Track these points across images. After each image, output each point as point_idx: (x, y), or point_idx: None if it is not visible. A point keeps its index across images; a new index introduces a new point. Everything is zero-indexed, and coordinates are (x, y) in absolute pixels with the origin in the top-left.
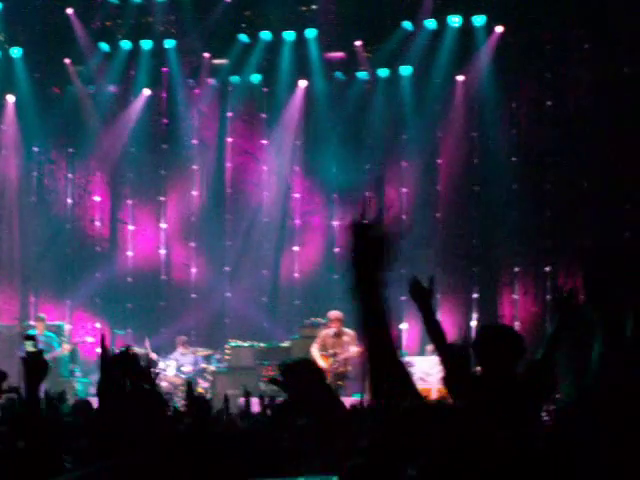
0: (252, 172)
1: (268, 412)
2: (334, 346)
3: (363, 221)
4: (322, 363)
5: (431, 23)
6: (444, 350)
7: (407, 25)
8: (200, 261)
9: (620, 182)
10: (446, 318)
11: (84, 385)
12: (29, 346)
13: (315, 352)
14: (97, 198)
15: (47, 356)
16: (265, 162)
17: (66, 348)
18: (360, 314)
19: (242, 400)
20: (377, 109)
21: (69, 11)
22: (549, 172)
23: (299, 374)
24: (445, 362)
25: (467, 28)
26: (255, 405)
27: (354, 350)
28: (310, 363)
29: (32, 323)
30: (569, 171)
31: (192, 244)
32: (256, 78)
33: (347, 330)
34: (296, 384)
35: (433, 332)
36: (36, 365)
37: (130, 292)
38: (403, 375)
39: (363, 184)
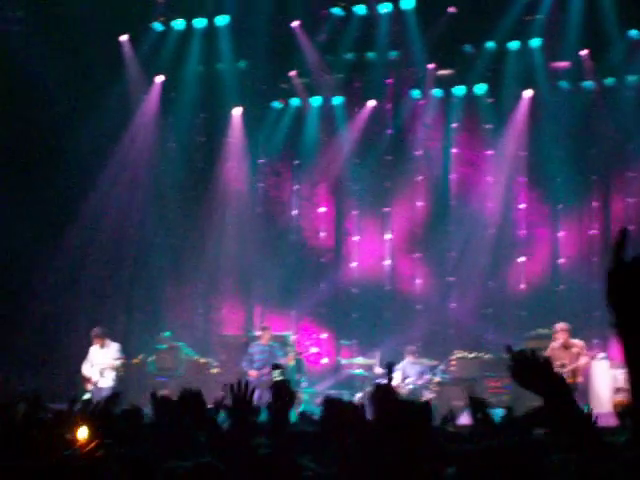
0: (476, 183)
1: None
2: (562, 358)
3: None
4: None
5: None
6: None
7: (633, 33)
8: (424, 272)
9: None
10: None
11: (310, 395)
12: (277, 375)
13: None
14: (322, 209)
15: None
16: (490, 173)
17: (290, 358)
18: (625, 354)
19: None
20: (603, 119)
21: (295, 24)
22: None
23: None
24: None
25: None
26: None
27: (583, 361)
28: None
29: (257, 333)
30: None
31: (417, 255)
32: (481, 88)
33: (575, 341)
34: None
35: None
36: (283, 392)
37: (355, 303)
38: None
39: (589, 195)
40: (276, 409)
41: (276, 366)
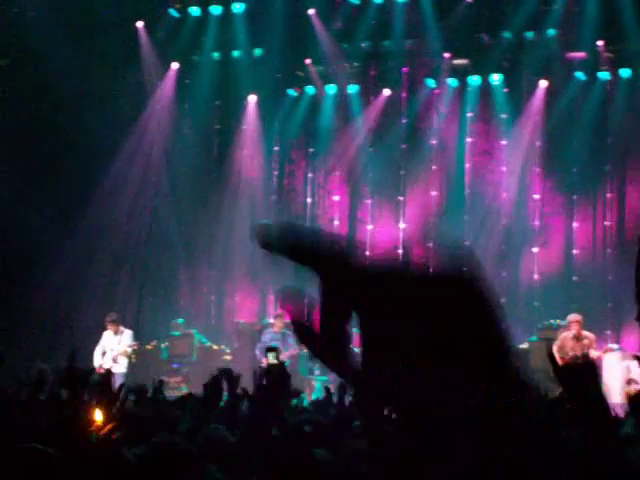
0: (491, 173)
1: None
2: (573, 349)
3: None
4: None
5: None
6: None
7: None
8: (438, 261)
9: None
10: None
11: (322, 384)
12: (271, 358)
13: (554, 354)
14: (336, 197)
15: (285, 354)
16: (504, 163)
17: (303, 346)
18: None
19: None
20: (618, 110)
21: (311, 12)
22: None
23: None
24: None
25: None
26: None
27: (594, 354)
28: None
29: (270, 320)
30: None
31: (430, 244)
32: (496, 78)
33: (586, 333)
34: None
35: None
36: (277, 376)
37: None
38: None
39: (604, 185)
40: (268, 391)
41: (270, 349)
